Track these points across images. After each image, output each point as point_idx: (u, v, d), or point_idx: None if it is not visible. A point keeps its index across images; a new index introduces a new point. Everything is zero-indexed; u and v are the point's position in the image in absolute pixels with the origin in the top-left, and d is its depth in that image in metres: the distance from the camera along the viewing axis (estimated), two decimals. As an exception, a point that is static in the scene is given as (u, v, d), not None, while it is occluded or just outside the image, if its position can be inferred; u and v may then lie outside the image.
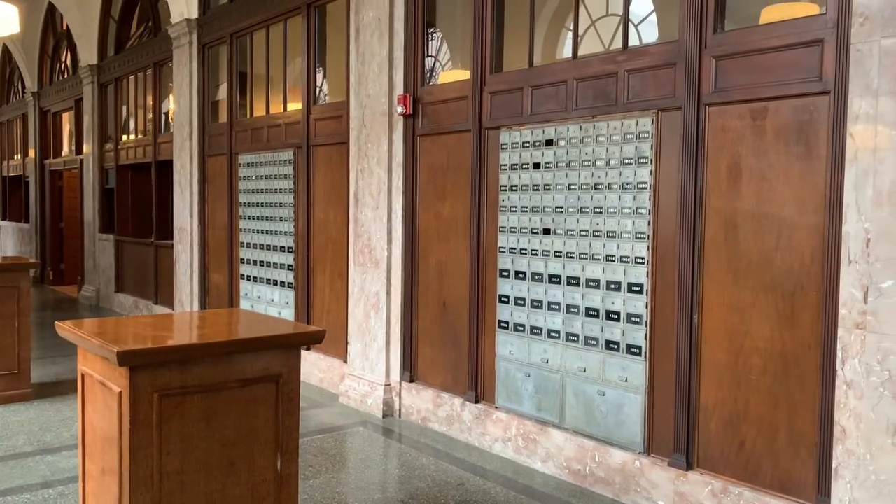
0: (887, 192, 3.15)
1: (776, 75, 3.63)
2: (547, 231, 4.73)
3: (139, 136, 11.04)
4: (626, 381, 4.27)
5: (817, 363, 3.49)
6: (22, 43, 14.78)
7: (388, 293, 5.92)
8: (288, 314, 7.20)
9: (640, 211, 4.20)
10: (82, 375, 2.94)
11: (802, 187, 3.55)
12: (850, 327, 3.27)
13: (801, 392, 3.56)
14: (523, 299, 4.89)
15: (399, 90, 5.79)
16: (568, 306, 4.59)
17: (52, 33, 14.43)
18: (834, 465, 3.34)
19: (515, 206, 4.94)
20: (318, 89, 7.06)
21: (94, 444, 2.87)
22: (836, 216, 3.37)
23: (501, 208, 5.04)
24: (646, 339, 4.19)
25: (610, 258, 4.35)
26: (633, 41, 4.47)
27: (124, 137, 11.51)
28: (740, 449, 3.80)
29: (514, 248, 4.95)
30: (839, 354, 3.31)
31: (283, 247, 7.30)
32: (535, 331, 4.80)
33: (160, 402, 2.62)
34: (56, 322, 3.05)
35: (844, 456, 3.30)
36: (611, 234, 4.35)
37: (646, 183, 4.17)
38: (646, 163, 4.17)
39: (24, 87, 15.69)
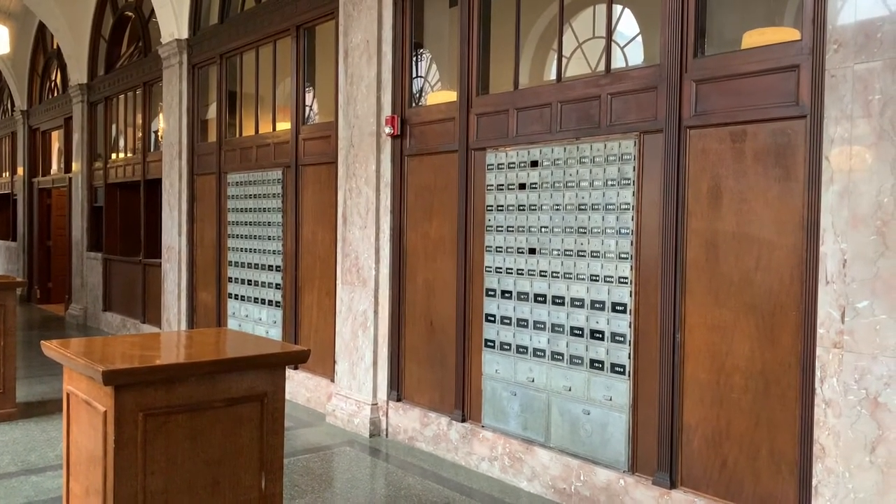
0: (863, 214, 3.22)
1: (755, 99, 3.71)
2: (532, 251, 4.78)
3: (128, 155, 11.07)
4: (611, 399, 4.31)
5: (797, 382, 3.54)
6: (12, 62, 14.82)
7: (376, 312, 5.94)
8: (276, 333, 7.21)
9: (623, 231, 4.26)
10: (67, 395, 2.95)
11: (781, 209, 3.62)
12: (829, 346, 3.32)
13: (782, 410, 3.60)
14: (509, 318, 4.92)
15: (387, 111, 5.86)
16: (553, 325, 4.64)
17: (42, 52, 14.48)
18: (814, 483, 3.38)
19: (501, 226, 4.99)
20: (307, 109, 7.12)
21: (79, 464, 2.88)
22: (814, 237, 3.44)
23: (488, 228, 5.09)
24: (629, 358, 4.23)
25: (594, 278, 4.40)
26: (620, 63, 4.55)
27: (113, 156, 11.53)
28: (723, 467, 3.84)
29: (501, 268, 5.00)
30: (818, 373, 3.36)
31: (272, 266, 7.32)
32: (521, 350, 4.84)
33: (145, 421, 2.63)
34: (42, 341, 3.06)
35: (824, 474, 3.34)
36: (595, 254, 4.40)
37: (629, 204, 4.23)
38: (628, 184, 4.24)
39: (13, 105, 15.70)
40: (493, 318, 5.05)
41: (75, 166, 12.27)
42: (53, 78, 14.02)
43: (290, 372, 6.93)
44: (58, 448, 5.36)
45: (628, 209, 4.24)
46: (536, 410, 4.74)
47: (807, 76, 3.49)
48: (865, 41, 3.21)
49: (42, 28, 13.80)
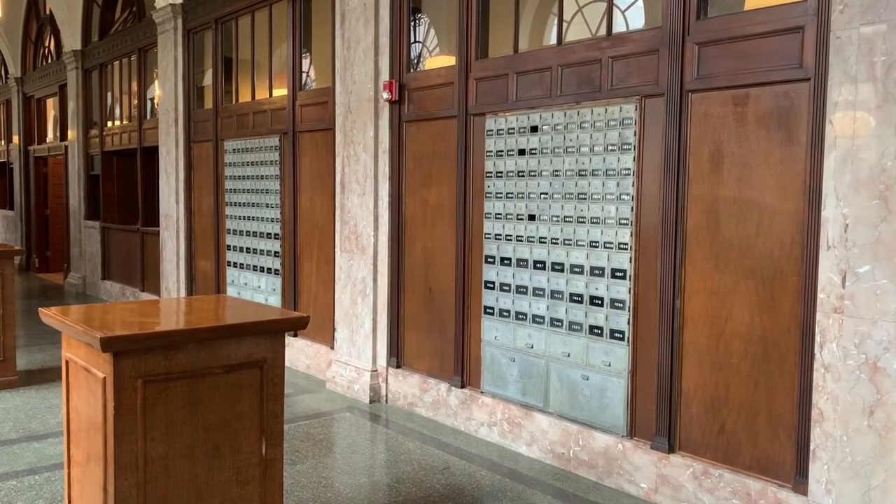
0: (865, 179, 3.19)
1: (758, 62, 3.65)
2: (532, 217, 4.75)
3: (124, 123, 10.97)
4: (610, 365, 4.32)
5: (796, 347, 3.54)
6: (4, 28, 14.61)
7: (375, 279, 5.93)
8: (275, 301, 7.21)
9: (623, 197, 4.23)
10: (67, 362, 2.95)
11: (783, 173, 3.59)
12: (829, 312, 3.32)
13: (781, 376, 3.61)
14: (508, 285, 4.92)
15: (385, 76, 5.78)
16: (552, 292, 4.63)
17: (35, 18, 14.28)
18: (812, 447, 3.40)
19: (501, 193, 4.96)
20: (304, 75, 7.03)
21: (79, 431, 2.88)
22: (816, 202, 3.41)
23: (487, 195, 5.06)
24: (629, 324, 4.23)
25: (594, 244, 4.39)
26: (621, 27, 4.48)
27: (109, 124, 11.43)
28: (721, 432, 3.86)
29: (500, 235, 4.97)
30: (817, 338, 3.36)
31: (270, 233, 7.29)
32: (520, 316, 4.84)
33: (144, 387, 2.63)
34: (40, 308, 3.05)
35: (822, 438, 3.35)
36: (595, 221, 4.38)
37: (629, 169, 4.20)
38: (629, 149, 4.20)
39: (7, 72, 15.53)
40: (492, 285, 5.04)
41: (71, 134, 12.17)
42: (47, 44, 13.84)
43: (289, 339, 6.95)
44: (58, 415, 5.39)
45: (629, 175, 4.20)
46: (535, 376, 4.76)
47: (811, 38, 3.43)
48: (872, 1, 3.15)
49: (34, -7, 13.61)
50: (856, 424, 3.23)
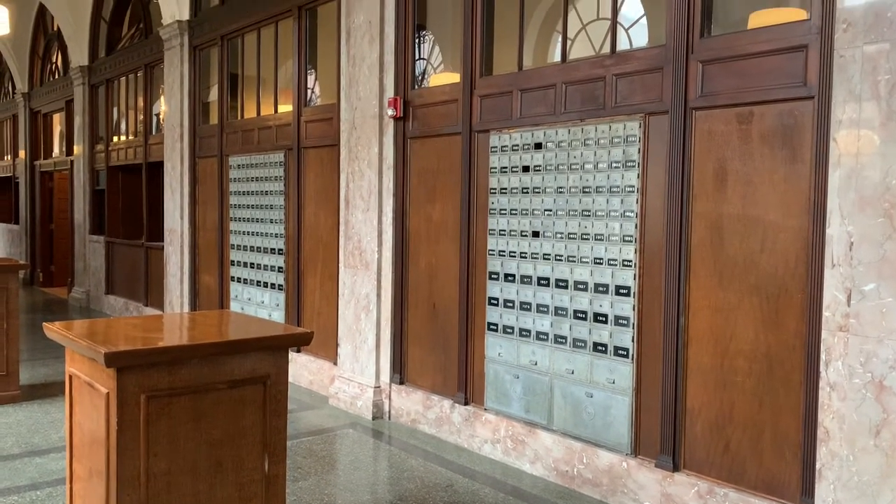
0: (870, 197, 3.18)
1: (762, 80, 3.67)
2: (536, 234, 4.76)
3: (130, 138, 11.03)
4: (614, 382, 4.30)
5: (801, 365, 3.53)
6: (12, 43, 14.73)
7: (379, 295, 5.93)
8: (278, 316, 7.21)
9: (627, 214, 4.24)
10: (70, 377, 2.95)
11: (787, 191, 3.59)
12: (834, 330, 3.30)
13: (786, 394, 3.59)
14: (512, 301, 4.91)
15: (389, 93, 5.81)
16: (556, 308, 4.62)
17: (42, 34, 14.40)
18: (818, 467, 3.38)
19: (505, 209, 4.96)
20: (308, 91, 7.07)
21: (82, 446, 2.88)
22: (820, 220, 3.41)
23: (491, 211, 5.07)
24: (633, 341, 4.22)
25: (598, 261, 4.38)
26: (624, 45, 4.50)
27: (115, 139, 11.49)
28: (726, 450, 3.83)
29: (504, 251, 4.97)
30: (823, 357, 3.35)
31: (274, 249, 7.30)
32: (524, 333, 4.83)
33: (148, 403, 2.63)
34: (44, 323, 3.06)
35: (828, 457, 3.33)
36: (599, 238, 4.38)
37: (633, 186, 4.20)
38: (633, 166, 4.20)
39: (14, 87, 15.63)
40: (496, 302, 5.03)
41: (77, 149, 12.23)
42: (54, 60, 13.94)
43: (292, 355, 6.94)
44: (61, 430, 5.38)
45: (633, 192, 4.21)
46: (539, 393, 4.74)
47: (815, 56, 3.45)
48: (875, 21, 3.16)
49: (42, 9, 13.71)
50: (862, 444, 3.21)
